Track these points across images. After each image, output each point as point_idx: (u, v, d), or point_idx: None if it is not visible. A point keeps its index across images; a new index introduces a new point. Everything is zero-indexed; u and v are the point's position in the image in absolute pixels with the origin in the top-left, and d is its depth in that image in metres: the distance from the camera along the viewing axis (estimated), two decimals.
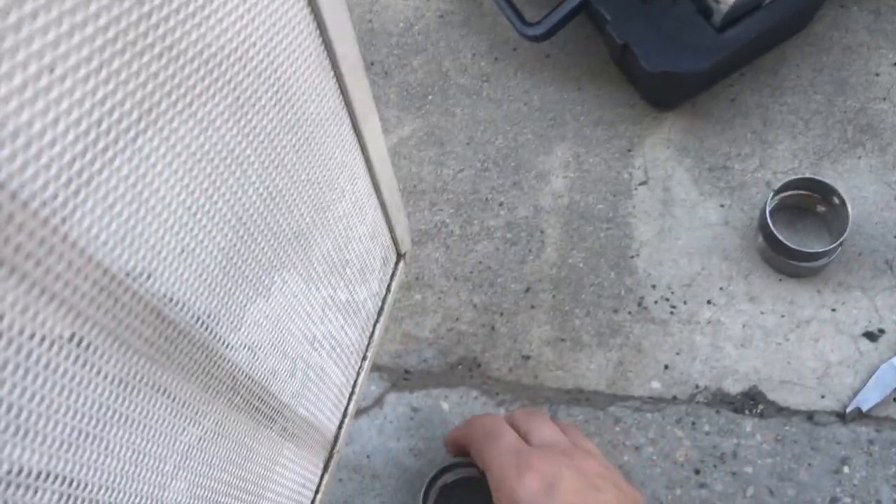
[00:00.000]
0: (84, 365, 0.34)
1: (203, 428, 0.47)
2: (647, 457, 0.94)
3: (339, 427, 0.76)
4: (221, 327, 0.45)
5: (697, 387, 0.97)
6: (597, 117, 1.12)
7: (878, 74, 1.12)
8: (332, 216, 0.57)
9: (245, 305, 0.47)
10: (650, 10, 1.02)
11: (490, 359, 1.01)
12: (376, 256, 0.73)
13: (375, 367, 1.01)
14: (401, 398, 0.99)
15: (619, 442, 0.95)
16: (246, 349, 0.49)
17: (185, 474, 0.46)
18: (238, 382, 0.50)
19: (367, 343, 0.77)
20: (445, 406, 0.99)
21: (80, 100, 0.29)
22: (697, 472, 0.93)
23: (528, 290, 1.04)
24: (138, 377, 0.38)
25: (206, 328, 0.43)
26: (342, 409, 0.75)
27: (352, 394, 0.76)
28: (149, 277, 0.36)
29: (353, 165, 0.59)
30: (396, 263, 0.81)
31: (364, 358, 0.77)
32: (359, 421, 0.98)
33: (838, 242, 0.95)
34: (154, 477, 0.42)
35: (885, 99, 1.10)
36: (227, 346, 0.46)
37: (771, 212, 0.99)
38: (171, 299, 0.39)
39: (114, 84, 0.31)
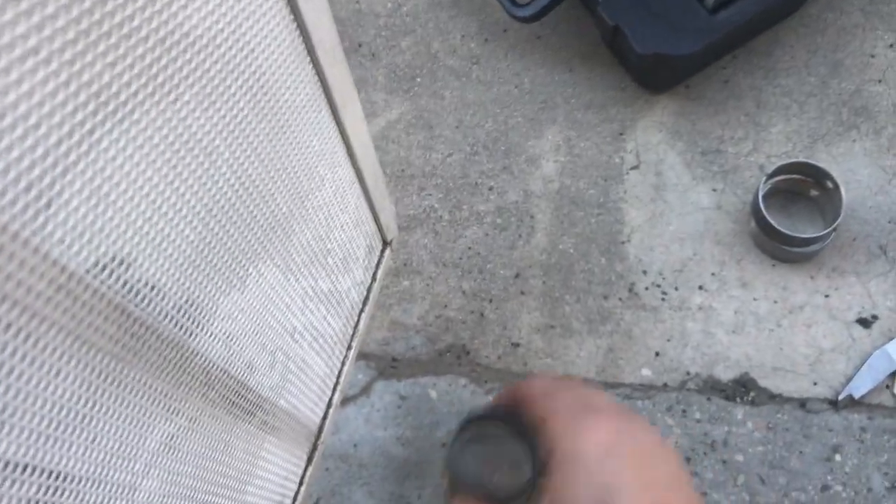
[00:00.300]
0: (41, 367, 0.32)
1: (176, 425, 0.46)
2: None
3: (324, 418, 0.75)
4: (192, 322, 0.43)
5: (688, 374, 0.96)
6: (588, 100, 1.10)
7: (873, 56, 1.10)
8: (312, 205, 0.56)
9: (217, 298, 0.46)
10: None
11: (479, 346, 1.00)
12: (360, 245, 0.71)
13: (362, 356, 1.00)
14: (388, 386, 0.98)
15: None
16: (220, 343, 0.47)
17: (157, 472, 0.45)
18: (213, 377, 0.49)
19: (352, 332, 0.76)
20: (433, 394, 0.98)
21: (29, 92, 0.28)
22: (688, 460, 0.92)
23: (517, 276, 1.03)
24: (102, 376, 0.36)
25: (176, 324, 0.42)
26: (326, 399, 0.74)
27: (336, 384, 0.75)
28: (111, 274, 0.35)
29: (333, 153, 0.57)
30: (382, 251, 0.79)
31: (349, 347, 0.76)
32: (346, 410, 0.97)
33: (832, 227, 0.94)
34: (122, 477, 0.40)
35: (880, 81, 1.09)
36: (199, 341, 0.45)
37: (764, 196, 0.97)
38: (136, 295, 0.37)
39: (66, 75, 0.29)
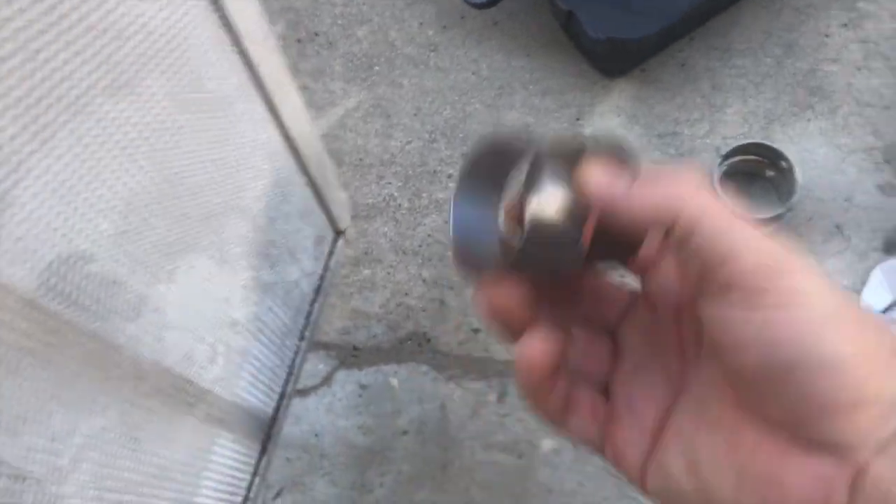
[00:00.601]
0: None
1: (106, 418, 0.46)
2: None
3: (277, 408, 0.75)
4: (115, 316, 0.43)
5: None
6: (545, 86, 1.10)
7: (827, 36, 1.11)
8: (249, 197, 0.56)
9: (143, 292, 0.45)
10: None
11: (440, 333, 1.00)
12: (308, 235, 0.71)
13: (323, 346, 1.00)
14: (349, 376, 0.98)
15: None
16: (149, 336, 0.47)
17: (87, 466, 0.45)
18: (145, 370, 0.49)
19: (304, 323, 0.76)
20: (394, 382, 0.98)
21: None
22: None
23: None
24: (14, 372, 0.36)
25: (97, 317, 0.42)
26: (278, 390, 0.74)
27: (290, 374, 0.75)
28: (20, 268, 0.35)
29: (270, 144, 0.57)
30: (335, 241, 0.79)
31: (301, 338, 0.76)
32: (307, 400, 0.97)
33: (786, 207, 0.95)
34: (45, 472, 0.40)
35: (835, 60, 1.09)
36: (126, 335, 0.45)
37: (720, 178, 0.98)
38: (49, 290, 0.37)
39: None
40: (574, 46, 1.09)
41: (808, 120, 1.06)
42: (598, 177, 0.28)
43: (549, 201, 0.29)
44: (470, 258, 0.32)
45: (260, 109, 0.54)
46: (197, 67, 0.45)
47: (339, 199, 0.77)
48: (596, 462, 0.92)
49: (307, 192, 0.68)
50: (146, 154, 0.42)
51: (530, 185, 0.30)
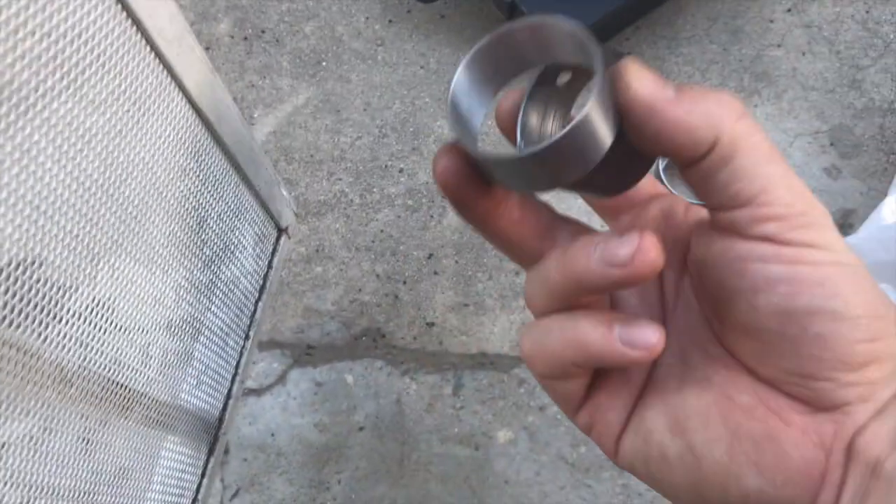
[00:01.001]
0: None
1: (28, 425, 0.45)
2: (551, 416, 0.94)
3: (224, 409, 0.74)
4: (31, 321, 0.43)
5: None
6: None
7: (772, 21, 1.12)
8: (173, 196, 0.55)
9: (62, 297, 0.45)
10: None
11: (394, 328, 1.00)
12: (247, 234, 0.71)
13: (276, 344, 0.99)
14: (304, 374, 0.98)
15: (524, 403, 0.95)
16: (72, 341, 0.47)
17: (7, 476, 0.44)
18: (71, 374, 0.48)
19: (248, 322, 0.76)
20: (350, 378, 0.98)
21: None
22: None
23: (430, 256, 1.03)
24: None
25: (11, 324, 0.41)
26: (224, 391, 0.73)
27: (235, 374, 0.75)
28: None
29: (194, 142, 0.57)
30: (277, 239, 0.79)
31: (246, 337, 0.76)
32: (262, 399, 0.97)
33: None
34: None
35: (779, 45, 1.10)
36: (45, 340, 0.44)
37: (664, 168, 0.98)
38: None
39: None
40: None
41: (755, 105, 1.07)
42: (645, 77, 0.25)
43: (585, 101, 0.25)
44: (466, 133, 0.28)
45: (180, 107, 0.54)
46: (107, 69, 0.44)
47: (280, 197, 0.76)
48: (550, 451, 0.93)
49: (242, 191, 0.68)
50: (53, 157, 0.41)
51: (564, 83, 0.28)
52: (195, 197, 0.58)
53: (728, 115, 0.25)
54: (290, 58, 1.13)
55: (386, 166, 1.07)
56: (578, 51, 0.26)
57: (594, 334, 0.26)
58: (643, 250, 0.24)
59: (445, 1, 1.13)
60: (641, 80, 0.25)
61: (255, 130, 1.10)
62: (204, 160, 0.59)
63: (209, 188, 0.61)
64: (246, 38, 1.15)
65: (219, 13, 1.17)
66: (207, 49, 1.15)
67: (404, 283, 1.02)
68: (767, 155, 0.25)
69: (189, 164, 0.56)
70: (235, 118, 0.62)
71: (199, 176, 0.58)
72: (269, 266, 0.78)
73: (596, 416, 0.29)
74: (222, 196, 0.63)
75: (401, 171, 1.07)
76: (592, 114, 0.24)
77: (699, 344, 0.28)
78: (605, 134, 0.25)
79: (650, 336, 0.25)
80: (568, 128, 0.24)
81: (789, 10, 1.11)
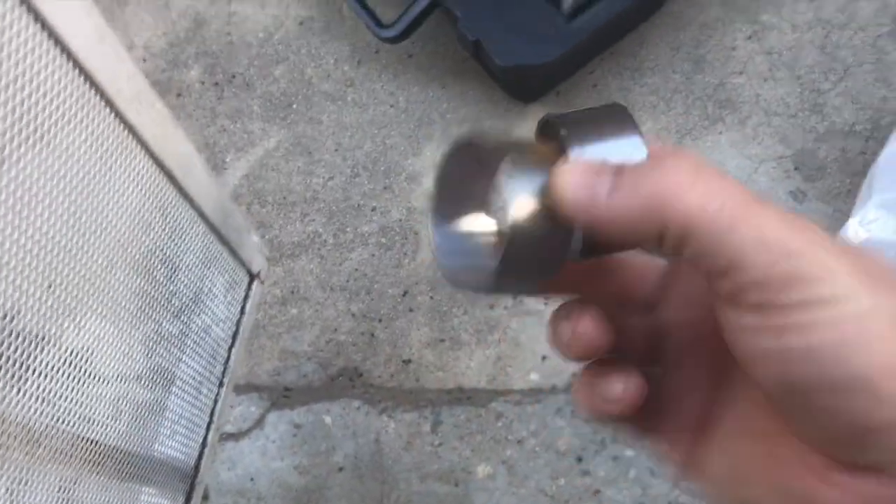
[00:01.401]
0: None
1: None
2: (530, 449, 0.95)
3: (199, 457, 0.74)
4: None
5: (575, 374, 0.97)
6: (462, 114, 1.12)
7: (734, 49, 1.14)
8: (138, 251, 0.56)
9: (25, 359, 0.45)
10: (500, 2, 1.02)
11: (371, 366, 1.00)
12: (217, 282, 0.71)
13: (254, 388, 1.00)
14: (282, 416, 0.98)
15: (502, 437, 0.96)
16: (37, 401, 0.47)
17: None
18: (39, 434, 0.48)
19: (222, 369, 0.76)
20: (328, 419, 0.98)
21: None
22: (580, 459, 0.94)
23: (405, 293, 1.04)
24: None
25: None
26: (199, 439, 0.73)
27: (210, 422, 0.75)
28: None
29: (159, 196, 0.58)
30: (249, 284, 0.79)
31: (221, 385, 0.76)
32: (240, 444, 0.97)
33: None
34: None
35: (741, 73, 1.12)
36: (10, 402, 0.45)
37: None
38: None
39: None
40: (487, 75, 1.11)
41: (720, 132, 1.09)
42: (573, 187, 0.24)
43: (528, 209, 0.25)
44: (462, 280, 0.29)
45: (142, 164, 0.55)
46: (66, 132, 0.45)
47: (250, 243, 0.77)
48: (530, 485, 0.93)
49: (210, 240, 0.68)
50: (13, 222, 0.42)
51: (508, 193, 0.26)
52: (161, 250, 0.59)
53: (675, 193, 0.23)
54: (260, 101, 1.15)
55: (359, 206, 1.08)
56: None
57: None
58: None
59: (412, 41, 1.14)
60: (565, 185, 0.24)
61: (227, 175, 1.11)
62: (169, 213, 0.59)
63: (175, 240, 0.61)
64: (217, 84, 1.16)
65: (189, 59, 1.18)
66: (178, 96, 1.16)
67: (380, 321, 1.03)
68: (729, 222, 0.23)
69: (154, 217, 0.57)
70: (200, 170, 0.63)
71: (164, 229, 0.59)
72: (242, 312, 0.78)
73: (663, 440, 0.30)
74: (190, 247, 0.64)
75: (373, 209, 1.08)
76: (516, 224, 0.25)
77: (755, 392, 0.26)
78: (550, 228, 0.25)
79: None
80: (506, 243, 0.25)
81: (750, 38, 1.14)
